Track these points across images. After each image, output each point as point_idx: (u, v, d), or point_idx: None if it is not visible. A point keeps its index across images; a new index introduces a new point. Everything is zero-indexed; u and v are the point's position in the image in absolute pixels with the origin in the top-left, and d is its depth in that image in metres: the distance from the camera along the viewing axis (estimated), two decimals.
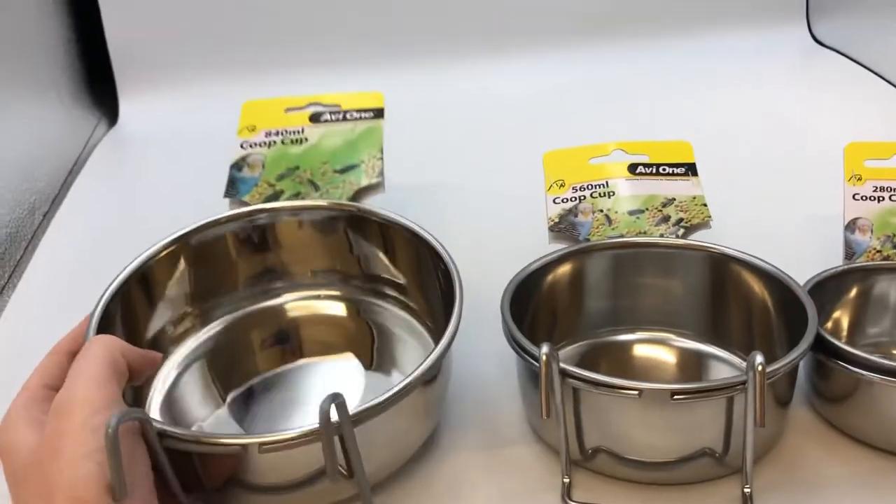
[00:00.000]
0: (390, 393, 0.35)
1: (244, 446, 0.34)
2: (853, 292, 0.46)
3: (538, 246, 0.48)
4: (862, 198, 0.50)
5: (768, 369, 0.35)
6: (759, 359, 0.34)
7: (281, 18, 0.86)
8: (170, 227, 0.62)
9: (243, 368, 0.46)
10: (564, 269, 0.46)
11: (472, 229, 0.60)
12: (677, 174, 0.52)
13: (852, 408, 0.41)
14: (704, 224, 0.50)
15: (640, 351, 0.47)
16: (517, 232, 0.55)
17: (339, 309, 0.50)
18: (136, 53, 0.85)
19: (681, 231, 0.49)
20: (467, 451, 0.42)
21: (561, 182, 0.53)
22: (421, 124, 0.76)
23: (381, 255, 0.49)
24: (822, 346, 0.40)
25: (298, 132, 0.54)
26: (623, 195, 0.52)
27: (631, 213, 0.51)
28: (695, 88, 0.81)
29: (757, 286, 0.44)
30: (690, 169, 0.52)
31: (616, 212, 0.51)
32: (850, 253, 0.48)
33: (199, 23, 0.85)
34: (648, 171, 0.53)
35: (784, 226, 0.59)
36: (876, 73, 0.82)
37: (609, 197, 0.52)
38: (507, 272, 0.45)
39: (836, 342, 0.40)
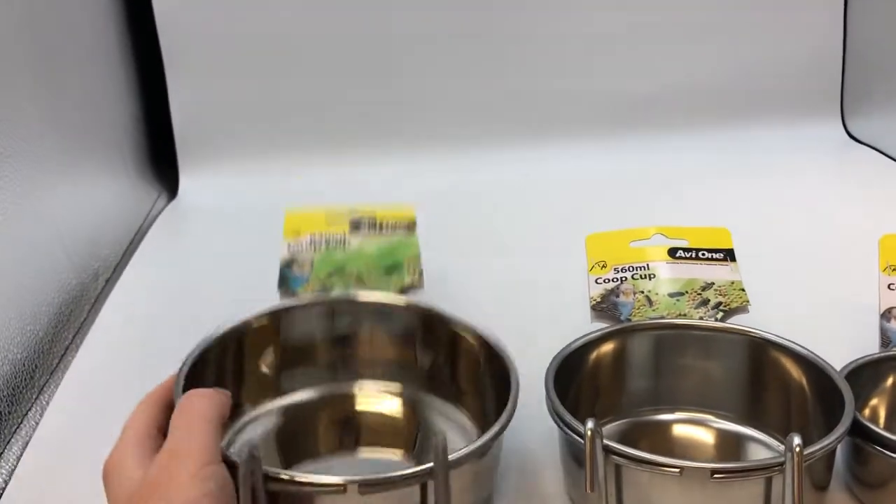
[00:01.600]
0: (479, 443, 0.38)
1: (343, 486, 0.35)
2: (890, 380, 0.47)
3: (580, 325, 0.50)
4: None
5: (806, 451, 0.36)
6: (796, 440, 0.36)
7: (334, 104, 0.91)
8: (222, 296, 0.65)
9: (304, 446, 0.48)
10: (607, 347, 0.48)
11: (517, 308, 0.62)
12: (716, 259, 0.54)
13: (890, 493, 0.42)
14: (743, 308, 0.51)
15: (679, 431, 0.48)
16: (560, 311, 0.57)
17: (397, 404, 0.51)
18: (197, 133, 0.90)
19: (719, 314, 0.51)
20: None
21: (603, 263, 0.56)
22: (467, 208, 0.79)
23: (444, 357, 0.51)
24: (859, 431, 0.41)
25: (340, 239, 0.57)
26: (663, 278, 0.54)
27: (671, 295, 0.52)
28: (733, 179, 0.84)
29: (794, 370, 0.46)
30: (729, 255, 0.54)
31: (656, 293, 0.53)
32: (886, 341, 0.49)
33: (256, 106, 0.91)
34: (688, 255, 0.55)
35: (819, 313, 0.60)
36: None
37: (650, 279, 0.54)
38: (551, 349, 0.47)
39: (874, 427, 0.41)
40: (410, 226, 0.58)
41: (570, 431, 0.40)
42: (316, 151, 0.90)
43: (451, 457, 0.36)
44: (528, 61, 0.90)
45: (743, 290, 0.52)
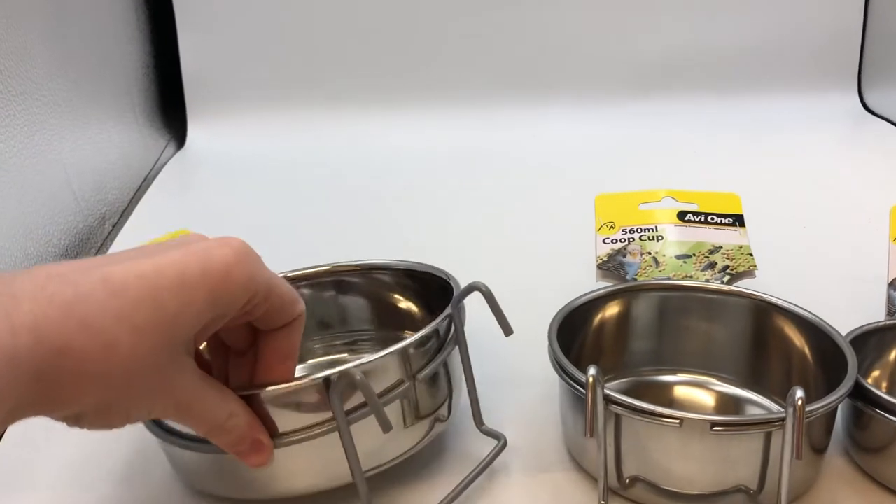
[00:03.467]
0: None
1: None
2: (894, 348, 0.47)
3: (587, 284, 0.50)
4: None
5: (808, 408, 0.36)
6: (799, 393, 0.36)
7: (342, 56, 0.90)
8: None
9: None
10: (612, 305, 0.48)
11: (524, 266, 0.63)
12: (725, 224, 0.54)
13: (889, 458, 0.42)
14: (749, 273, 0.51)
15: (680, 392, 0.48)
16: (567, 270, 0.57)
17: None
18: (207, 83, 0.90)
19: (726, 278, 0.51)
20: (507, 474, 0.44)
21: (611, 224, 0.55)
22: (479, 166, 0.79)
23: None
24: (861, 395, 0.41)
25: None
26: (671, 240, 0.54)
27: (678, 257, 0.52)
28: (747, 146, 0.83)
29: (798, 335, 0.45)
30: (738, 220, 0.54)
31: (664, 255, 0.53)
32: (892, 310, 0.49)
33: (265, 58, 0.90)
34: (697, 219, 0.55)
35: (827, 281, 0.60)
36: None
37: (657, 241, 0.54)
38: (557, 306, 0.46)
39: (876, 390, 0.41)
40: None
41: (570, 381, 0.41)
42: (323, 103, 0.90)
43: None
44: (544, 20, 0.89)
45: (751, 254, 0.52)
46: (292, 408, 0.36)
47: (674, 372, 0.49)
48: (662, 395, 0.48)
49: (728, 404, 0.47)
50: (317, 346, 0.51)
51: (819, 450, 0.41)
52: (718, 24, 0.90)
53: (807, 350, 0.46)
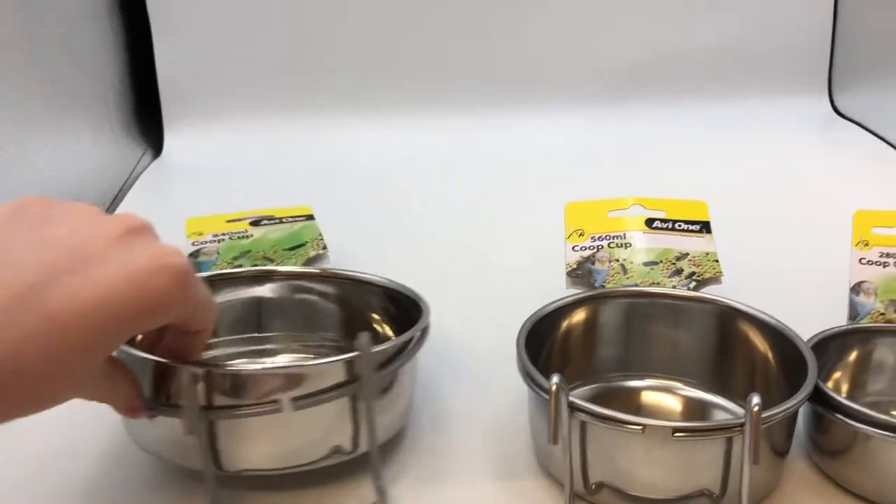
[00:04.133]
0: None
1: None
2: (855, 352, 0.48)
3: (556, 291, 0.51)
4: (868, 262, 0.52)
5: (766, 414, 0.37)
6: (755, 399, 0.36)
7: (319, 64, 0.91)
8: None
9: None
10: (579, 312, 0.48)
11: (494, 273, 0.63)
12: (692, 231, 0.55)
13: (849, 461, 0.42)
14: (715, 279, 0.52)
15: (647, 398, 0.49)
16: (536, 277, 0.58)
17: None
18: (183, 91, 0.90)
19: (692, 284, 0.52)
20: (474, 483, 0.44)
21: (580, 231, 0.56)
22: (448, 171, 0.80)
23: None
24: (821, 399, 0.42)
25: (243, 233, 0.61)
26: (639, 247, 0.54)
27: (646, 264, 0.53)
28: (716, 151, 0.84)
29: (762, 339, 0.46)
30: (705, 226, 0.55)
31: (631, 262, 0.53)
32: (854, 314, 0.50)
33: (243, 66, 0.91)
34: (664, 226, 0.55)
35: (793, 285, 0.61)
36: (893, 146, 0.85)
37: (626, 248, 0.54)
38: (526, 314, 0.47)
39: (835, 395, 0.42)
40: (309, 217, 0.63)
41: (537, 389, 0.41)
42: (300, 112, 0.90)
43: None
44: (513, 28, 0.90)
45: (717, 261, 0.53)
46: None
47: (641, 377, 0.49)
48: (630, 400, 0.49)
49: (694, 409, 0.48)
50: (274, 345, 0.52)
51: (780, 453, 0.42)
52: (688, 29, 0.91)
53: (770, 354, 0.47)
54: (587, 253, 0.54)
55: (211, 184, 0.82)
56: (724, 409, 0.48)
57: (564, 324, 0.48)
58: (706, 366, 0.48)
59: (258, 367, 0.39)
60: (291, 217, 0.62)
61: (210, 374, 0.38)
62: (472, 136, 0.87)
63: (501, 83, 0.91)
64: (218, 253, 0.58)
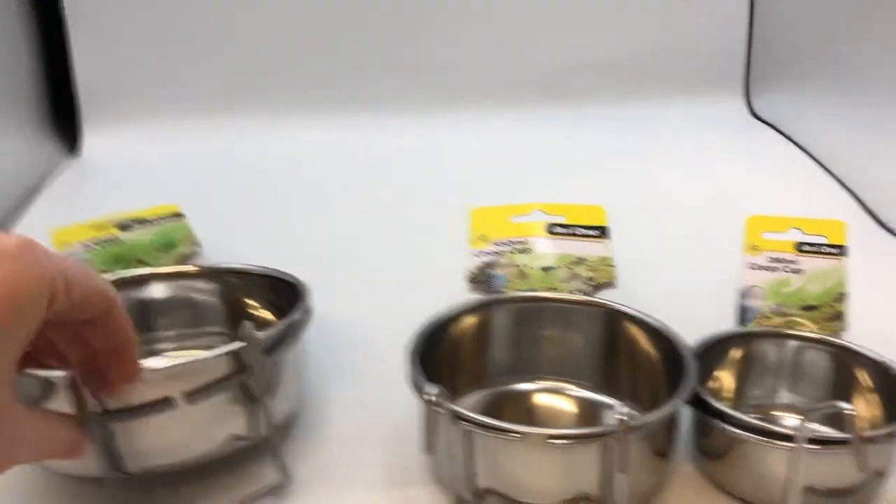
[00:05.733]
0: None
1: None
2: (740, 355, 0.49)
3: (457, 295, 0.51)
4: (757, 267, 0.53)
5: (633, 424, 0.38)
6: (618, 414, 0.38)
7: (239, 63, 0.90)
8: None
9: None
10: (471, 319, 0.49)
11: (397, 281, 0.63)
12: (590, 236, 0.56)
13: (728, 465, 0.44)
14: (610, 283, 0.53)
15: (539, 400, 0.50)
16: (440, 284, 0.58)
17: None
18: (102, 90, 0.89)
19: (588, 288, 0.53)
20: (367, 490, 0.45)
21: (484, 237, 0.57)
22: (356, 175, 0.80)
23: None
24: (700, 404, 0.43)
25: (112, 238, 0.61)
26: (539, 252, 0.55)
27: (544, 269, 0.54)
28: (629, 155, 0.85)
29: (648, 342, 0.48)
30: (603, 231, 0.56)
31: (531, 267, 0.54)
32: (742, 318, 0.51)
33: (164, 64, 0.89)
34: (565, 231, 0.56)
35: (688, 289, 0.61)
36: (804, 150, 0.86)
37: (527, 253, 0.55)
38: (427, 316, 0.47)
39: (712, 400, 0.43)
40: (177, 215, 0.64)
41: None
42: (221, 112, 0.89)
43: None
44: (425, 30, 0.90)
45: (612, 265, 0.54)
46: None
47: (532, 380, 0.50)
48: (522, 403, 0.49)
49: (585, 410, 0.49)
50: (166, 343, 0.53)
51: (662, 455, 0.43)
52: (604, 33, 0.92)
53: (657, 357, 0.48)
54: (488, 258, 0.55)
55: (132, 183, 0.81)
56: (614, 409, 0.49)
57: (456, 331, 0.48)
58: (595, 367, 0.49)
59: (150, 367, 0.39)
60: (159, 217, 0.64)
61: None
62: (384, 141, 0.87)
63: (412, 88, 0.91)
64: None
